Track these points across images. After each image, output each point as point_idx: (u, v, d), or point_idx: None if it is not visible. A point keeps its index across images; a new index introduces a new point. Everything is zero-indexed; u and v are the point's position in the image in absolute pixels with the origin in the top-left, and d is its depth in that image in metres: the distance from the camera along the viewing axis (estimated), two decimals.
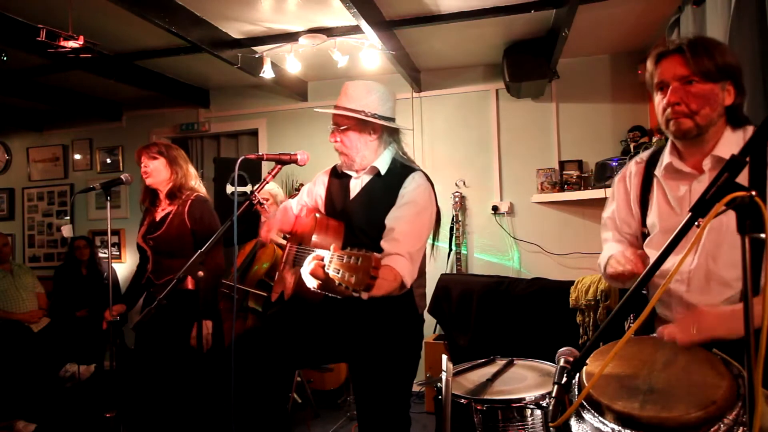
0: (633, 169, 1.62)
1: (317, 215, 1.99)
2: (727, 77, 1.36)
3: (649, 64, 1.46)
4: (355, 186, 2.01)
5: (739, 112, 1.39)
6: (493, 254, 4.41)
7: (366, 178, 1.99)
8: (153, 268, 2.67)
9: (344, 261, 1.39)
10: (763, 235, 0.79)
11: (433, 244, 2.13)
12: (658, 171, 1.51)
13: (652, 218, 1.52)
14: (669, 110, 1.40)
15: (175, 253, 2.62)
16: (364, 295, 1.49)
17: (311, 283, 1.58)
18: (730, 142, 1.37)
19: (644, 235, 1.56)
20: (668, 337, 1.24)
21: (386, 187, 1.92)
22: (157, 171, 2.64)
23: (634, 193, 1.59)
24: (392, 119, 1.99)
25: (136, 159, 2.70)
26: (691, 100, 1.37)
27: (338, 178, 2.08)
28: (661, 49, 1.43)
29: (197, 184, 2.78)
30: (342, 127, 1.93)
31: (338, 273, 1.40)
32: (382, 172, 1.95)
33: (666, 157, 1.49)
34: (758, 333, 0.78)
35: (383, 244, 1.79)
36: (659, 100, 1.43)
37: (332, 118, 1.97)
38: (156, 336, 2.58)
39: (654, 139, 3.63)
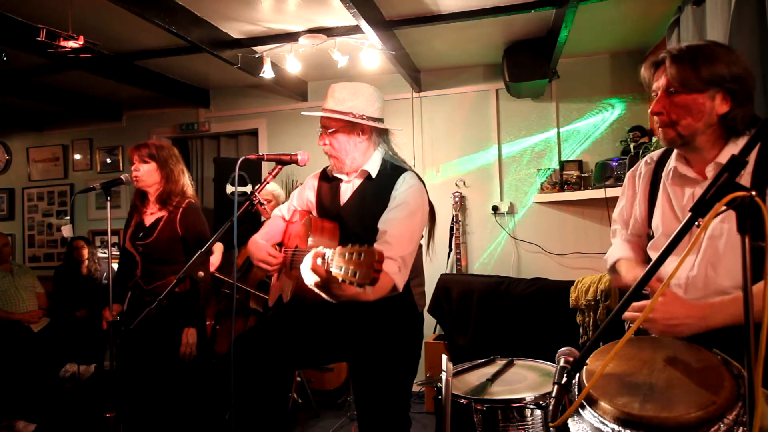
0: (642, 169, 1.62)
1: (311, 216, 1.98)
2: (717, 86, 1.34)
3: (645, 73, 1.46)
4: (347, 190, 2.00)
5: (737, 121, 1.36)
6: (493, 254, 4.41)
7: (357, 182, 1.98)
8: (142, 273, 2.65)
9: (346, 257, 1.37)
10: (763, 244, 0.79)
11: (428, 243, 2.12)
12: (665, 174, 1.51)
13: (656, 220, 1.52)
14: (654, 119, 1.42)
15: (164, 260, 2.61)
16: (368, 290, 1.47)
17: (310, 281, 1.56)
18: (734, 150, 1.36)
19: (649, 236, 1.56)
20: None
21: (378, 189, 1.91)
22: (147, 175, 2.62)
23: (642, 194, 1.59)
24: (381, 120, 1.98)
25: (129, 157, 2.69)
26: (672, 110, 1.37)
27: (328, 182, 2.06)
28: (654, 59, 1.44)
29: (188, 187, 2.75)
30: (330, 130, 1.92)
31: (341, 270, 1.37)
32: (373, 175, 1.94)
33: (672, 162, 1.49)
34: (758, 332, 0.78)
35: (376, 246, 1.78)
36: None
37: (320, 120, 1.95)
38: (148, 337, 2.56)
39: (654, 139, 3.63)
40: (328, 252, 1.48)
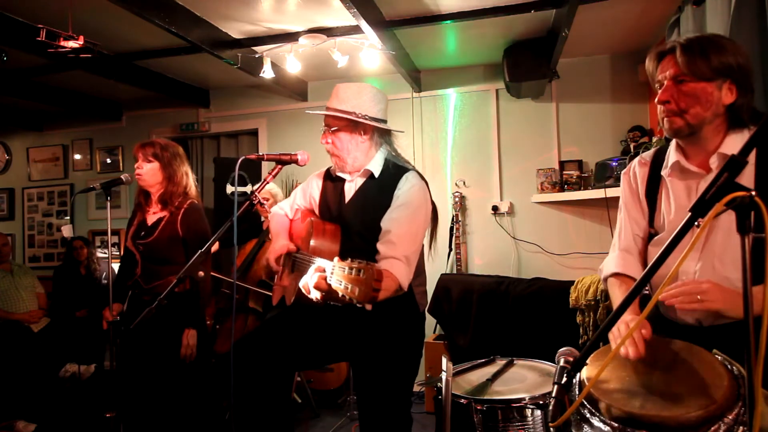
0: (637, 170, 1.60)
1: (312, 219, 1.98)
2: (725, 76, 1.34)
3: (650, 64, 1.46)
4: (350, 189, 2.01)
5: (743, 111, 1.36)
6: (493, 254, 4.41)
7: (360, 181, 1.99)
8: (142, 272, 2.65)
9: (346, 273, 1.38)
10: (763, 235, 0.79)
11: (431, 244, 2.12)
12: (665, 171, 1.50)
13: (660, 219, 1.51)
14: (661, 108, 1.41)
15: (164, 260, 2.61)
16: (368, 307, 1.48)
17: (314, 295, 1.57)
18: (736, 141, 1.36)
19: (651, 235, 1.55)
20: (669, 303, 1.26)
21: (380, 189, 1.92)
22: (149, 174, 2.62)
23: (641, 194, 1.58)
24: (384, 121, 1.99)
25: (134, 155, 2.69)
26: (680, 98, 1.37)
27: (332, 181, 2.07)
28: (660, 49, 1.43)
29: (191, 188, 2.74)
30: (333, 129, 1.93)
31: (341, 285, 1.39)
32: (376, 175, 1.95)
33: (672, 156, 1.48)
34: (758, 333, 0.78)
35: (380, 246, 1.78)
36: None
37: (324, 119, 1.97)
38: (148, 337, 2.55)
39: (654, 139, 3.63)
40: (328, 266, 1.49)
